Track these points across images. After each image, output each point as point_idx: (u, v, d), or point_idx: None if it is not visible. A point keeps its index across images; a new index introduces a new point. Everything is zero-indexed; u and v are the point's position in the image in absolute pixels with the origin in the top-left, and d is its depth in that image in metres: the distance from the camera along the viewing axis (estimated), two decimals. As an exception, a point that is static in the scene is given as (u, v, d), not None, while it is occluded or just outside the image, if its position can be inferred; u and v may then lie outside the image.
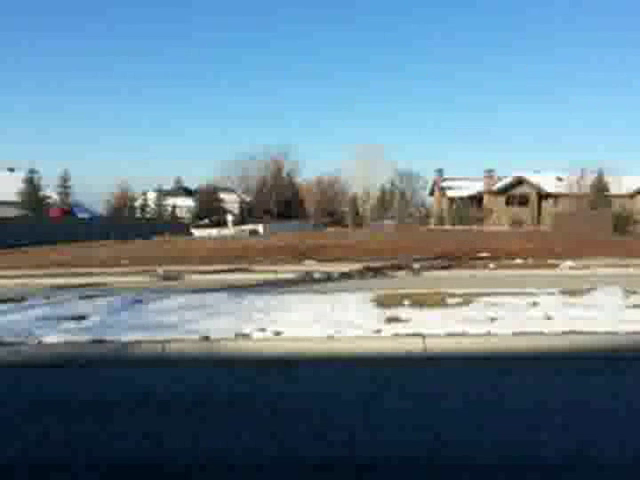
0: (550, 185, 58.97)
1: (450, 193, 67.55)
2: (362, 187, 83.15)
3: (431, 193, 78.50)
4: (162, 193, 70.61)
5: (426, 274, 11.72)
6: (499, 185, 61.30)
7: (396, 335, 5.73)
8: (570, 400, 4.16)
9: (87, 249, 23.16)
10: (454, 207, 64.52)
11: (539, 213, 58.35)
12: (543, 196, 59.08)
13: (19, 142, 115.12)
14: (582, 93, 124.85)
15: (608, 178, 53.24)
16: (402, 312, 6.77)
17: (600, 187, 53.05)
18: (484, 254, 15.82)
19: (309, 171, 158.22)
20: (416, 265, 12.74)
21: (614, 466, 3.13)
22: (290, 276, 11.66)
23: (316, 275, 11.64)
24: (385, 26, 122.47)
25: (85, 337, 5.79)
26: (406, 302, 7.39)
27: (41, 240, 27.89)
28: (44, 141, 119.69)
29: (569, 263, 12.95)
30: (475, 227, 53.35)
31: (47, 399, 4.44)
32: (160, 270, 12.73)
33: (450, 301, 7.45)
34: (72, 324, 6.42)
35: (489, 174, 62.54)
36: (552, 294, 8.00)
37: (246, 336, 5.81)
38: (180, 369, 5.20)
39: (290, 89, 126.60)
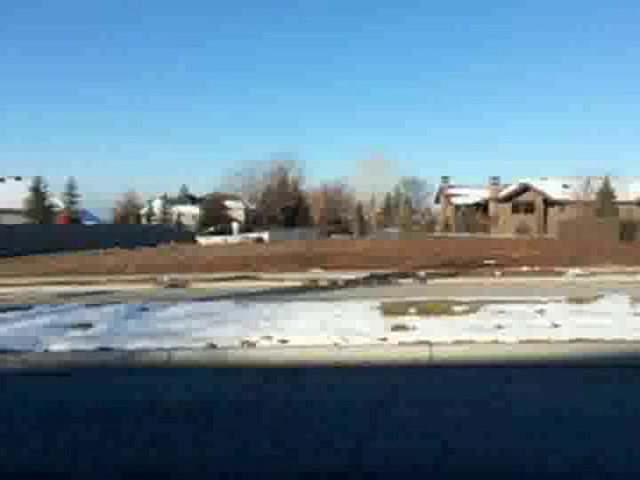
0: (556, 192, 58.79)
1: (456, 200, 67.54)
2: (368, 195, 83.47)
3: (437, 200, 78.51)
4: (168, 201, 70.86)
5: (432, 282, 11.70)
6: (505, 192, 61.19)
7: (402, 343, 5.72)
8: (577, 408, 4.13)
9: (94, 257, 23.23)
10: (460, 214, 64.46)
11: (545, 220, 58.15)
12: (549, 203, 58.90)
13: (26, 151, 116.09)
14: (587, 100, 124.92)
15: (615, 185, 53.05)
16: (408, 320, 6.76)
17: (607, 194, 52.85)
18: (490, 262, 15.78)
19: (315, 179, 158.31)
20: (422, 273, 12.71)
21: (621, 474, 3.11)
22: (296, 284, 11.66)
23: (322, 283, 11.63)
24: (389, 34, 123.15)
25: (91, 345, 5.81)
26: (412, 310, 7.38)
27: (48, 248, 27.99)
28: (51, 149, 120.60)
29: (576, 270, 12.90)
30: (481, 234, 53.22)
31: (53, 407, 4.45)
32: (166, 278, 12.76)
33: (456, 309, 7.43)
34: (78, 332, 6.44)
35: (494, 181, 62.51)
36: (559, 302, 7.97)
37: (253, 344, 5.82)
38: (187, 377, 5.20)
39: (296, 97, 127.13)
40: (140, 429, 3.87)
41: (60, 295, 10.51)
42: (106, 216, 66.34)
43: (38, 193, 46.30)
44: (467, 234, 54.08)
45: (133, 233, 42.34)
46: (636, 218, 40.17)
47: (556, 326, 6.27)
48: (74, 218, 49.33)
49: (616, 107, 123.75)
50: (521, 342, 5.66)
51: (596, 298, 8.17)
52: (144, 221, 65.06)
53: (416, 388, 4.77)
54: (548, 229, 55.06)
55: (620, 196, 53.43)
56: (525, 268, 13.83)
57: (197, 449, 3.49)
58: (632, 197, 55.80)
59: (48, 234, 32.81)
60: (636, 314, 6.97)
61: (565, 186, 57.90)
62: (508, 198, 60.71)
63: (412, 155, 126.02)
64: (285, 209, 76.38)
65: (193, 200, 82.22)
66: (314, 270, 14.19)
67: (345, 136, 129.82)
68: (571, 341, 5.65)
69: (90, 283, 12.39)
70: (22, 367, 5.51)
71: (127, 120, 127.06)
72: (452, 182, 72.06)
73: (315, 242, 37.30)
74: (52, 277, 13.75)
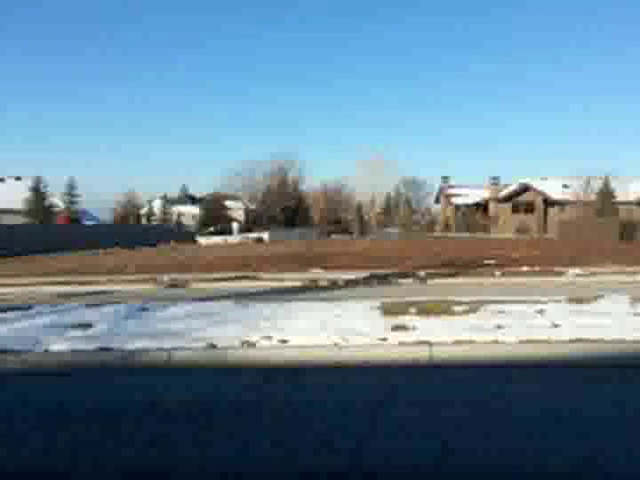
0: (556, 192, 58.82)
1: (456, 200, 67.57)
2: (368, 195, 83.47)
3: (437, 200, 78.53)
4: (168, 201, 70.89)
5: (432, 282, 11.70)
6: (505, 192, 61.21)
7: (402, 343, 5.72)
8: (577, 408, 4.14)
9: (94, 257, 23.23)
10: (460, 214, 64.51)
11: (545, 220, 58.16)
12: (549, 203, 58.91)
13: (26, 151, 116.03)
14: (587, 100, 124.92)
15: (615, 185, 53.05)
16: (408, 320, 6.76)
17: (607, 194, 52.83)
18: (490, 262, 15.78)
19: (315, 179, 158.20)
20: (422, 273, 12.71)
21: (621, 474, 3.11)
22: (296, 284, 11.66)
23: (322, 283, 11.64)
24: (389, 34, 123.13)
25: (91, 345, 5.81)
26: (412, 310, 7.38)
27: (48, 248, 27.99)
28: (51, 149, 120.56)
29: (576, 271, 12.90)
30: (481, 234, 53.22)
31: (53, 407, 4.45)
32: (166, 278, 12.76)
33: (456, 309, 7.43)
34: (78, 332, 6.44)
35: (494, 181, 62.56)
36: (559, 302, 7.97)
37: (253, 344, 5.82)
38: (187, 377, 5.20)
39: (296, 97, 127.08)
40: (140, 429, 3.87)
41: (60, 295, 10.51)
42: (106, 216, 66.42)
43: (38, 193, 46.30)
44: (467, 234, 54.08)
45: (133, 233, 42.33)
46: (636, 218, 40.17)
47: (556, 326, 6.27)
48: (74, 218, 49.34)
49: (616, 107, 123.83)
50: (521, 342, 5.66)
51: (596, 298, 8.17)
52: (144, 221, 65.07)
53: (416, 388, 4.77)
54: (548, 229, 55.05)
55: (620, 196, 53.42)
56: (525, 268, 13.83)
57: (197, 449, 3.49)
58: (632, 197, 55.80)
59: (48, 234, 32.81)
60: (636, 314, 6.97)
61: (565, 186, 57.90)
62: (508, 198, 60.72)
63: (412, 155, 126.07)
64: (285, 209, 76.36)
65: (193, 200, 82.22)
66: (314, 270, 14.20)
67: (345, 136, 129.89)
68: (571, 341, 5.65)
69: (90, 283, 12.39)
70: (22, 367, 5.51)
71: (127, 120, 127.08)
72: (452, 182, 72.09)
73: (315, 242, 37.30)
74: (52, 277, 13.75)
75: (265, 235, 52.02)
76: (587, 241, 29.89)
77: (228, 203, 74.80)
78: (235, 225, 64.28)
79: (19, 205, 45.25)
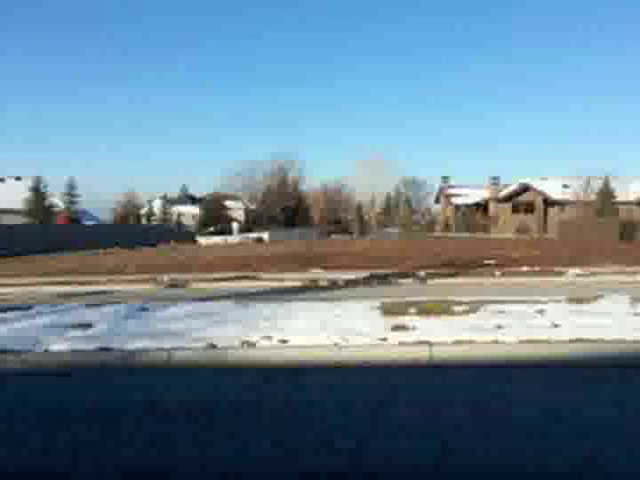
0: (556, 192, 58.82)
1: (456, 200, 67.57)
2: (368, 195, 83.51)
3: (437, 200, 78.54)
4: (168, 201, 70.89)
5: (432, 282, 11.69)
6: (505, 192, 61.20)
7: (402, 343, 5.72)
8: (577, 408, 4.13)
9: (94, 257, 23.22)
10: (460, 214, 64.52)
11: (545, 220, 58.15)
12: (549, 203, 58.90)
13: (26, 151, 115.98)
14: (587, 100, 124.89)
15: (615, 185, 53.03)
16: (408, 320, 6.75)
17: (607, 194, 52.80)
18: (490, 262, 15.77)
19: (315, 179, 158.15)
20: (422, 273, 12.71)
21: (621, 474, 3.11)
22: (296, 284, 11.66)
23: (322, 283, 11.63)
24: (389, 34, 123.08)
25: (91, 345, 5.81)
26: (412, 310, 7.37)
27: (48, 248, 27.99)
28: (51, 149, 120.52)
29: (576, 270, 12.89)
30: (481, 234, 53.19)
31: (53, 407, 4.45)
32: (166, 278, 12.76)
33: (456, 309, 7.43)
34: (79, 332, 6.44)
35: (494, 181, 62.57)
36: (559, 302, 7.97)
37: (253, 344, 5.82)
38: (187, 377, 5.20)
39: (296, 97, 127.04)
40: (140, 429, 3.87)
41: (60, 295, 10.51)
42: (106, 216, 66.38)
43: (38, 193, 46.28)
44: (467, 234, 54.05)
45: (133, 233, 42.31)
46: (636, 218, 40.13)
47: (556, 326, 6.27)
48: (74, 218, 49.33)
49: (616, 107, 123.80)
50: (521, 342, 5.66)
51: (596, 298, 8.17)
52: (144, 221, 65.04)
53: (416, 388, 4.77)
54: (548, 229, 55.02)
55: (620, 196, 53.40)
56: (525, 268, 13.83)
57: (197, 449, 3.49)
58: (632, 197, 55.78)
59: (48, 234, 32.80)
60: (636, 314, 6.97)
61: (565, 186, 57.87)
62: (508, 198, 60.71)
63: (412, 155, 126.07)
64: (285, 209, 76.32)
65: (193, 200, 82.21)
66: (314, 270, 14.19)
67: (345, 136, 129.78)
68: (571, 341, 5.65)
69: (90, 283, 12.39)
70: (22, 367, 5.51)
71: (127, 120, 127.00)
72: (452, 182, 72.09)
73: (315, 242, 37.28)
74: (52, 277, 13.75)
75: (265, 235, 51.99)
76: (587, 241, 29.88)
77: (228, 203, 74.77)
78: (235, 225, 64.25)
79: (19, 205, 45.23)
